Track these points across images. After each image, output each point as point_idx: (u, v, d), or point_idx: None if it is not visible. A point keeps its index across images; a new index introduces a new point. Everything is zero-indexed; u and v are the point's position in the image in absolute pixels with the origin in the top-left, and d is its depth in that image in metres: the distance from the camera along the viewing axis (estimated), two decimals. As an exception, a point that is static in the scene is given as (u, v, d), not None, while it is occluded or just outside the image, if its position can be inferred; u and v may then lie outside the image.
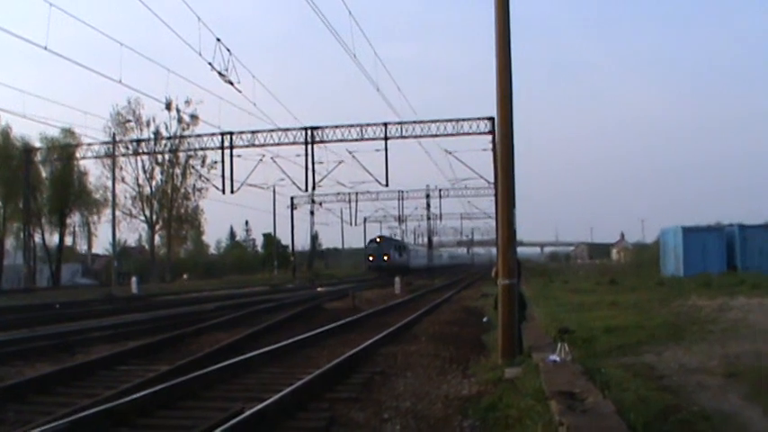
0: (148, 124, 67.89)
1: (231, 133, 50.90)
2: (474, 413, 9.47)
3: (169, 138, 66.09)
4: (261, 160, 53.72)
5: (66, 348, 16.54)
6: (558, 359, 11.41)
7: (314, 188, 54.36)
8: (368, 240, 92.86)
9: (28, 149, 61.33)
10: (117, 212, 58.77)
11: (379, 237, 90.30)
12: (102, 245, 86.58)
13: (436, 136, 50.05)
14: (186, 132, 65.26)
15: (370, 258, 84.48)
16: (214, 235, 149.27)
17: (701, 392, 9.63)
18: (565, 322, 16.75)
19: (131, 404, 9.46)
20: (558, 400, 8.07)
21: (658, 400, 8.86)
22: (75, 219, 71.78)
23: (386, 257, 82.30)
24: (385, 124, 49.43)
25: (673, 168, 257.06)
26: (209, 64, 29.74)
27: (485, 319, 21.04)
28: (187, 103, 65.63)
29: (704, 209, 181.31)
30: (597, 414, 7.46)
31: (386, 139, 49.75)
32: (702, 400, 9.07)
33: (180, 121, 67.24)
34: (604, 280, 43.07)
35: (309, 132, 50.07)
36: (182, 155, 68.14)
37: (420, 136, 49.90)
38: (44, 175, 65.75)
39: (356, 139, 50.52)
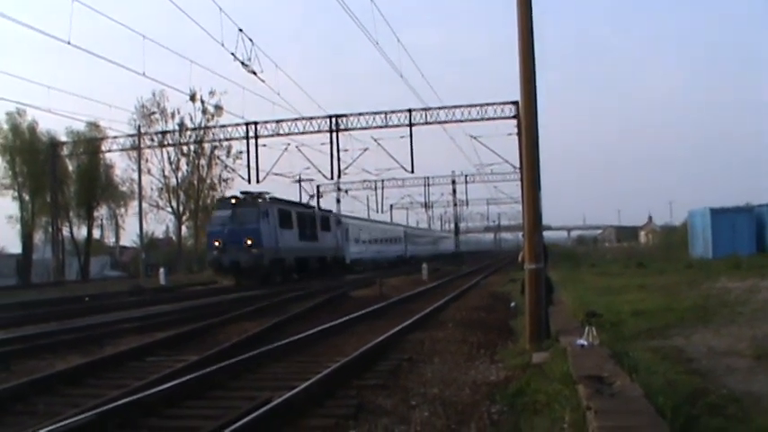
0: (173, 116, 68.01)
1: (256, 123, 51.07)
2: (502, 399, 9.46)
3: (194, 129, 66.23)
4: (286, 149, 53.54)
5: (96, 340, 16.68)
6: (585, 343, 11.36)
7: (339, 176, 54.40)
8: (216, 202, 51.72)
9: (54, 144, 61.80)
10: (144, 204, 58.94)
11: (239, 194, 43.95)
12: (129, 237, 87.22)
13: (461, 121, 50.00)
14: (211, 123, 65.39)
15: (215, 244, 40.12)
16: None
17: (730, 375, 9.56)
18: (592, 306, 16.68)
19: (160, 395, 9.53)
20: (586, 385, 8.04)
21: (687, 383, 8.80)
22: (102, 212, 72.02)
23: (249, 242, 39.19)
24: (409, 111, 49.42)
25: (701, 149, 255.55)
26: (232, 54, 29.79)
27: (512, 305, 20.97)
28: (211, 93, 65.46)
29: (734, 190, 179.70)
30: (625, 398, 7.42)
31: (410, 125, 49.75)
32: (732, 383, 9.00)
33: (204, 112, 67.29)
34: (632, 263, 42.90)
35: (334, 120, 50.16)
36: (207, 146, 68.28)
37: (445, 122, 49.85)
38: (71, 168, 66.09)
39: (381, 126, 50.58)
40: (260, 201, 42.24)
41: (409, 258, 77.07)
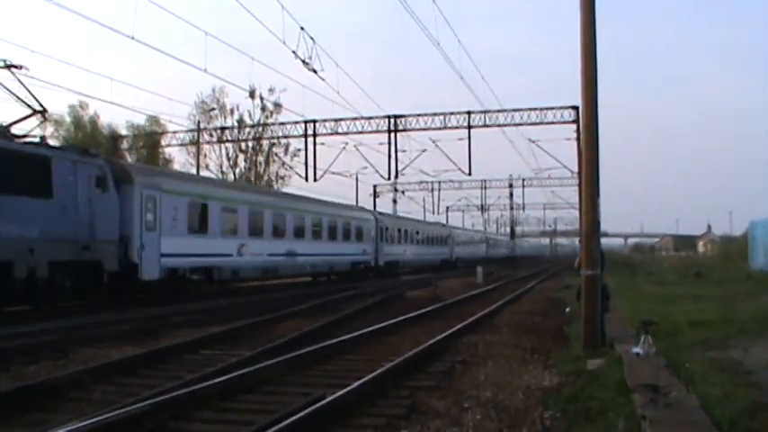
0: (232, 112, 68.60)
1: (314, 121, 51.19)
2: (555, 404, 9.40)
3: (253, 126, 66.62)
4: (344, 148, 53.80)
5: (151, 332, 16.92)
6: (641, 352, 11.27)
7: (396, 176, 54.20)
8: None
9: (115, 137, 62.63)
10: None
11: None
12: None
13: (520, 125, 49.49)
14: (269, 120, 65.80)
15: None
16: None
17: (790, 389, 9.40)
18: (648, 314, 16.49)
19: (214, 388, 9.66)
20: (641, 393, 7.99)
21: (745, 396, 8.67)
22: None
23: None
24: (468, 113, 49.12)
25: (762, 158, 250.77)
26: (293, 52, 29.91)
27: (567, 310, 20.85)
28: (271, 91, 65.93)
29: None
30: (681, 408, 7.36)
31: (469, 127, 49.42)
32: (791, 398, 8.85)
33: (263, 109, 67.80)
34: (690, 273, 42.37)
35: (392, 121, 50.08)
36: (265, 142, 68.69)
37: (503, 125, 49.41)
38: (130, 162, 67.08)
39: (439, 128, 50.26)
40: None
41: (384, 267, 51.07)
